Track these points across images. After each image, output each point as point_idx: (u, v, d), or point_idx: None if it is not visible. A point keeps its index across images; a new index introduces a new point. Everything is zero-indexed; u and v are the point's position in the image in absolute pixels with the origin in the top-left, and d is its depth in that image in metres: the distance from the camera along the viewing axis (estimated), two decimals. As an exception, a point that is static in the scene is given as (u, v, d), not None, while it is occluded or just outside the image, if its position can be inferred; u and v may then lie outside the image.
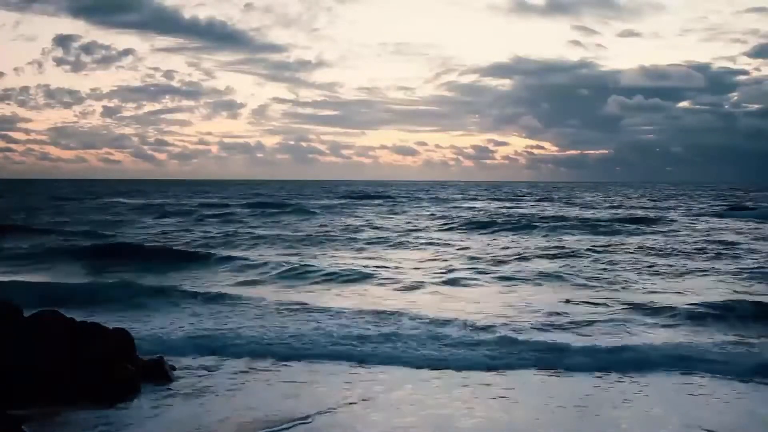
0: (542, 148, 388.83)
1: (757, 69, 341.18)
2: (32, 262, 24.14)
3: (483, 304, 16.45)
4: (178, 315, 15.00)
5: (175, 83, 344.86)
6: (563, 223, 40.35)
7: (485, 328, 13.11)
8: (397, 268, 22.86)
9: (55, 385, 9.58)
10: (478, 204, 68.75)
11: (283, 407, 9.29)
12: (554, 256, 25.62)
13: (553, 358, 11.22)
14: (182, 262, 23.52)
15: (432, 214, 50.80)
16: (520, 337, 12.37)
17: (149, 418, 9.04)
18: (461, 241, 32.50)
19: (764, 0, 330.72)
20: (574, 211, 53.98)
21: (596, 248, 28.02)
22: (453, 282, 19.89)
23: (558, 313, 14.95)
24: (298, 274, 20.82)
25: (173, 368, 10.76)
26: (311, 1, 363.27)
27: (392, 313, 14.50)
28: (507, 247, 28.21)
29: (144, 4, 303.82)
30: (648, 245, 29.44)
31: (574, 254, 26.10)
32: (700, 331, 13.49)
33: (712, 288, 18.74)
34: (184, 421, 8.87)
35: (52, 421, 8.89)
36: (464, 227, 39.45)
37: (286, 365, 11.26)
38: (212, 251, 25.89)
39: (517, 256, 25.67)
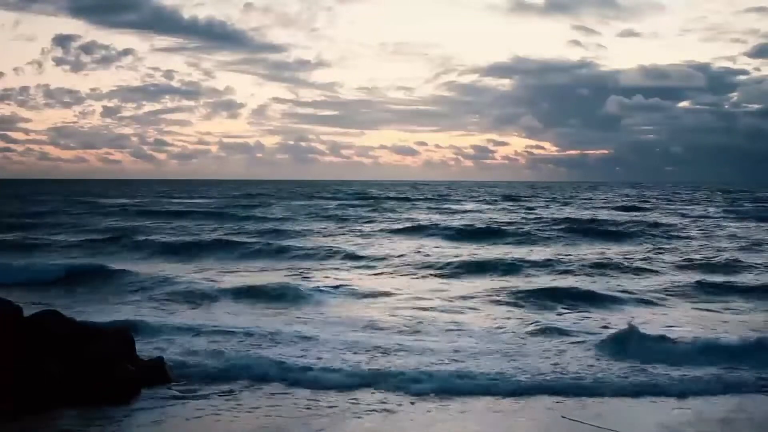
0: (542, 148, 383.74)
1: (757, 69, 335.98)
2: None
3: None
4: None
5: (174, 83, 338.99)
6: (555, 229, 37.55)
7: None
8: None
9: (55, 385, 9.63)
10: (470, 206, 65.53)
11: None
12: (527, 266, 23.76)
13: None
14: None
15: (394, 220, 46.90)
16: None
17: (149, 418, 9.17)
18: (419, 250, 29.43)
19: (764, 0, 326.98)
20: (561, 215, 50.48)
21: (562, 259, 25.65)
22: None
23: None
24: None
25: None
26: (311, 0, 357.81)
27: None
28: (478, 262, 24.90)
29: (143, 3, 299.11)
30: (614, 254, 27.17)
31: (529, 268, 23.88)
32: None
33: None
34: (183, 422, 9.08)
35: (53, 421, 9.02)
36: (441, 236, 35.66)
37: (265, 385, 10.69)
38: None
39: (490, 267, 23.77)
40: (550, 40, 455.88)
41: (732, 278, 21.26)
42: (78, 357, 9.87)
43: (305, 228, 38.90)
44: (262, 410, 9.45)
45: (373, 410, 9.48)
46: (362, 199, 79.87)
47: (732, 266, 23.69)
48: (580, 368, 11.25)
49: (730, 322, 15.39)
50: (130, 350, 10.38)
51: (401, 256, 26.51)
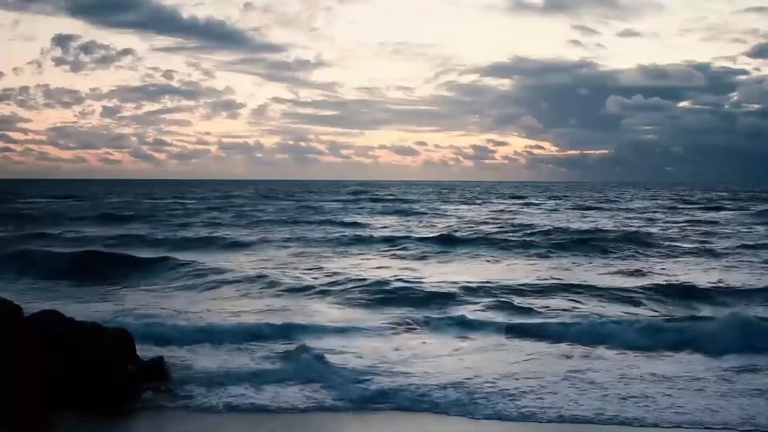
0: (542, 148, 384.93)
1: (757, 69, 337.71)
2: None
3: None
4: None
5: (174, 83, 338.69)
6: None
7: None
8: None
9: (55, 386, 9.64)
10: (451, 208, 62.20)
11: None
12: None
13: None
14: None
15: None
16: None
17: (149, 417, 9.26)
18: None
19: (764, 0, 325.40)
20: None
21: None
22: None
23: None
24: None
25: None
26: (311, 0, 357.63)
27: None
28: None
29: (142, 3, 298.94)
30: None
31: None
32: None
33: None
34: (183, 421, 9.14)
35: (52, 421, 9.11)
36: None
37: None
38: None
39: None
40: (550, 40, 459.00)
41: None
42: (78, 357, 9.92)
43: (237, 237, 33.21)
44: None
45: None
46: (340, 201, 73.67)
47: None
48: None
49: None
50: (130, 350, 10.46)
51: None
